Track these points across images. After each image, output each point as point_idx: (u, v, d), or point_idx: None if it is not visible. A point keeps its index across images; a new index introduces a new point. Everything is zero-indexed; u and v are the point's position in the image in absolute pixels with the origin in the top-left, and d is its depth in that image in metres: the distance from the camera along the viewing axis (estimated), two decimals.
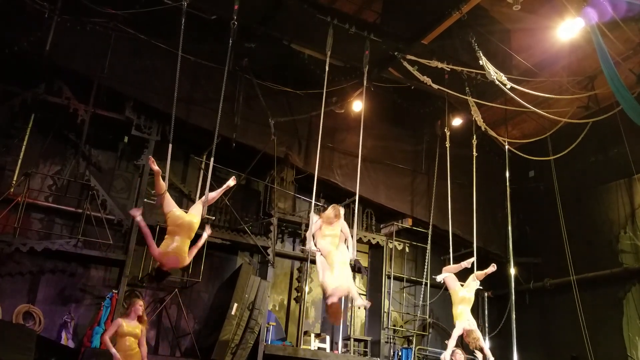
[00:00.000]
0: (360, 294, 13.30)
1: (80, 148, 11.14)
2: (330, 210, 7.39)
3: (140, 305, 7.95)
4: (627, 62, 10.99)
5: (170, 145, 7.15)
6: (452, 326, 13.97)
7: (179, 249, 6.42)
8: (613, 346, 11.33)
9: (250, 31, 10.83)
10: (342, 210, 7.50)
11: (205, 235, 7.04)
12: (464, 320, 8.47)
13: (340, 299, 7.05)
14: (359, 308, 7.34)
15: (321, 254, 7.20)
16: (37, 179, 10.89)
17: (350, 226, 7.64)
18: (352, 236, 7.58)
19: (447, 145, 10.82)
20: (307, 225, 12.39)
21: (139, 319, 7.97)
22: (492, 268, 8.75)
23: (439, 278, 8.74)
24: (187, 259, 6.55)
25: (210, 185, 7.50)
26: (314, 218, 7.48)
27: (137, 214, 6.48)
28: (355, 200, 12.46)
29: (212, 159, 7.54)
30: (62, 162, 11.28)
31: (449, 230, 10.59)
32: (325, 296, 6.89)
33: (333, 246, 7.21)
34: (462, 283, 9.11)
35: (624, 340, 11.29)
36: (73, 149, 11.35)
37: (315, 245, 7.26)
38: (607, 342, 11.39)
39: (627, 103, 9.66)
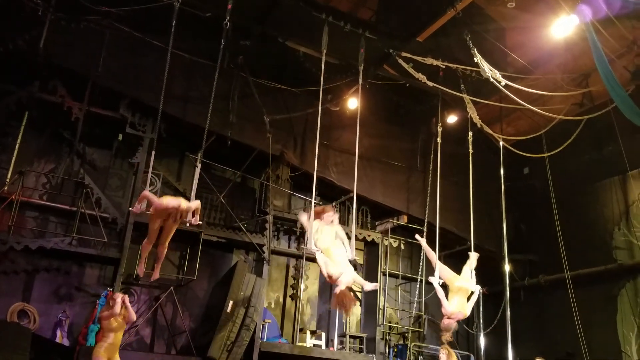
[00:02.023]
0: (355, 291, 13.45)
1: (74, 146, 11.12)
2: (326, 217, 7.62)
3: (120, 299, 7.99)
4: (622, 59, 11.01)
5: (151, 139, 7.21)
6: None
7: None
8: (607, 342, 11.39)
9: (246, 29, 10.81)
10: (336, 217, 7.78)
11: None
12: (461, 310, 8.30)
13: (348, 288, 7.24)
14: (367, 289, 7.54)
15: (321, 251, 7.30)
16: (31, 177, 10.87)
17: (348, 225, 7.74)
18: (350, 237, 7.71)
19: (439, 141, 10.84)
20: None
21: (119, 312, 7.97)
22: (474, 255, 8.80)
23: (434, 281, 8.61)
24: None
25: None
26: (305, 219, 7.72)
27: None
28: (350, 198, 12.58)
29: (200, 154, 7.51)
30: (57, 160, 11.25)
31: (437, 225, 10.58)
32: (333, 287, 7.10)
33: (330, 241, 7.44)
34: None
35: (618, 337, 11.35)
36: (67, 147, 11.32)
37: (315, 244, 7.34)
38: (601, 339, 11.45)
39: (622, 100, 9.69)
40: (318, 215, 7.62)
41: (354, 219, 8.48)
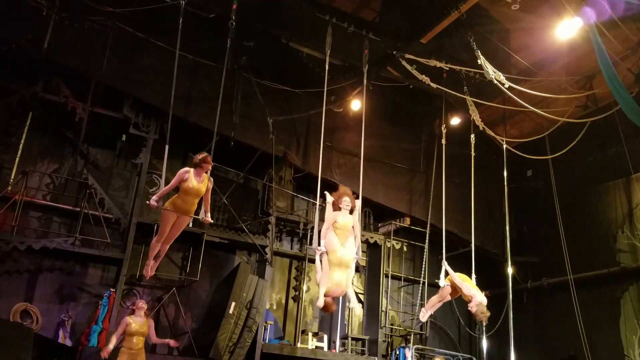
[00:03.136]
0: (358, 293, 13.42)
1: (78, 146, 11.13)
2: (343, 203, 7.07)
3: (142, 304, 8.20)
4: (626, 61, 10.99)
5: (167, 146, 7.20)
6: (450, 325, 14.17)
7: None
8: (610, 345, 11.34)
9: (249, 29, 10.82)
10: (358, 203, 7.32)
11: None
12: (476, 290, 8.11)
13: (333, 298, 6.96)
14: (350, 307, 7.18)
15: (326, 252, 7.00)
16: (34, 177, 10.88)
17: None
18: (357, 236, 7.38)
19: (443, 142, 10.81)
20: (305, 225, 12.45)
21: (145, 316, 8.21)
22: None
23: (443, 277, 8.57)
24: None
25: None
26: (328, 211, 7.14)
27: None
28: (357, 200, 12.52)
29: (209, 154, 7.48)
30: (60, 160, 11.26)
31: (443, 228, 10.56)
32: (321, 294, 6.77)
33: (340, 243, 6.95)
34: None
35: (621, 340, 11.30)
36: (71, 147, 11.34)
37: (322, 239, 7.04)
38: (604, 342, 11.40)
39: (626, 102, 9.66)
40: (335, 205, 7.13)
41: (360, 221, 8.42)
